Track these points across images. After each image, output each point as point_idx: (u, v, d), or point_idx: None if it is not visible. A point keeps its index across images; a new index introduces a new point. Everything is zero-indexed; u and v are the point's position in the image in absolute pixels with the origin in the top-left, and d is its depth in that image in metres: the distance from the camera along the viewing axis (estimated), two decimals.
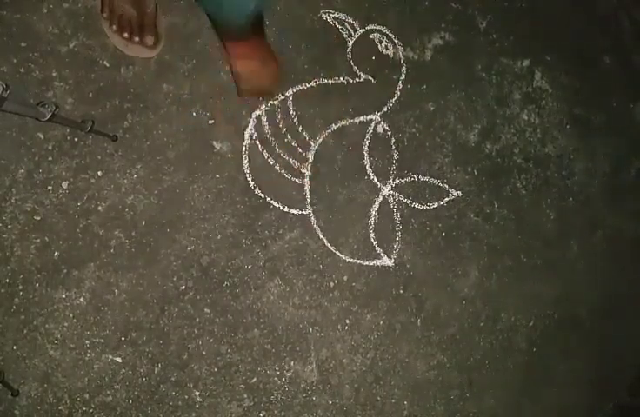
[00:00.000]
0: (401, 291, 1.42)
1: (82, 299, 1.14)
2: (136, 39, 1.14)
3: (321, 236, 1.34)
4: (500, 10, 1.60)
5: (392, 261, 1.42)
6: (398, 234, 1.43)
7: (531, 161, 1.63)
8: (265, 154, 1.30)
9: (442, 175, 1.49)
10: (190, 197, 1.23)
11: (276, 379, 1.29)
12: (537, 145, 1.65)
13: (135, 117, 1.19)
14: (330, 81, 1.37)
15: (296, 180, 1.33)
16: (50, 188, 1.13)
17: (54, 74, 1.13)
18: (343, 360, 1.36)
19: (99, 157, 1.16)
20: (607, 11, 1.80)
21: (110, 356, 1.16)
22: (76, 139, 1.14)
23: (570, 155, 1.70)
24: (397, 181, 1.44)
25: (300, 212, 1.33)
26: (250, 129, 1.29)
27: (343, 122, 1.39)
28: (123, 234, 1.18)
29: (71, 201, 1.14)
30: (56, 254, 1.13)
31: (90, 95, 1.16)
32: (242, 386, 1.27)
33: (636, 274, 1.79)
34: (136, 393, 1.18)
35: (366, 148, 1.41)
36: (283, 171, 1.31)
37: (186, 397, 1.22)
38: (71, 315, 1.14)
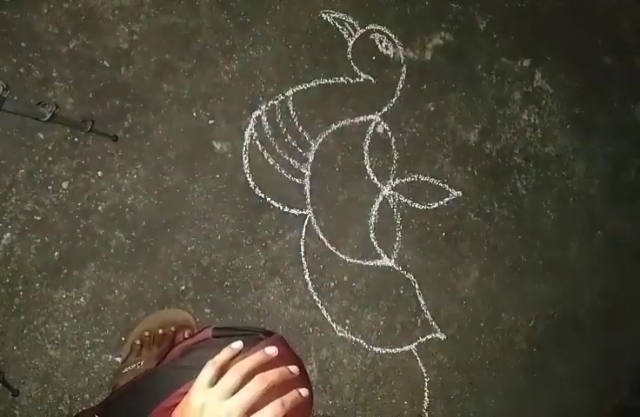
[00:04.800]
0: (401, 291, 1.42)
1: (82, 299, 1.14)
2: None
3: (321, 236, 1.34)
4: (500, 10, 1.60)
5: (392, 261, 1.41)
6: (398, 234, 1.43)
7: (531, 161, 1.63)
8: (265, 154, 1.30)
9: (442, 175, 1.49)
10: (190, 197, 1.23)
11: None
12: (537, 145, 1.65)
13: (135, 117, 1.19)
14: (330, 81, 1.37)
15: (296, 180, 1.33)
16: (50, 188, 1.13)
17: (54, 74, 1.13)
18: (343, 360, 1.36)
19: (99, 157, 1.16)
20: (607, 11, 1.80)
21: (110, 356, 1.15)
22: (76, 139, 1.14)
23: (571, 155, 1.70)
24: (397, 181, 1.44)
25: (300, 212, 1.33)
26: (250, 129, 1.29)
27: (343, 122, 1.38)
28: (123, 235, 1.18)
29: (71, 201, 1.14)
30: (56, 254, 1.13)
31: (90, 95, 1.16)
32: None
33: (635, 275, 1.79)
34: None
35: (366, 148, 1.41)
36: (283, 171, 1.31)
37: None
38: (71, 315, 1.14)
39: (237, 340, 0.61)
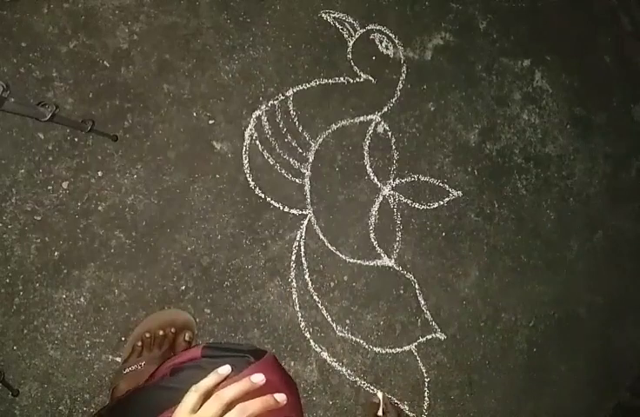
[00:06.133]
0: (401, 291, 1.42)
1: (82, 299, 1.14)
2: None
3: (321, 236, 1.34)
4: (500, 10, 1.60)
5: (392, 261, 1.41)
6: (398, 234, 1.43)
7: (531, 161, 1.63)
8: (265, 154, 1.30)
9: (442, 175, 1.49)
10: (190, 197, 1.23)
11: None
12: (537, 145, 1.65)
13: (135, 117, 1.19)
14: (330, 81, 1.37)
15: (296, 180, 1.33)
16: (50, 188, 1.13)
17: (54, 74, 1.13)
18: (343, 360, 1.36)
19: (99, 157, 1.16)
20: (607, 11, 1.80)
21: (110, 356, 1.15)
22: (76, 139, 1.14)
23: (571, 155, 1.70)
24: (397, 181, 1.44)
25: (300, 212, 1.33)
26: (250, 129, 1.29)
27: (343, 122, 1.39)
28: (123, 235, 1.18)
29: (71, 201, 1.14)
30: (56, 254, 1.13)
31: (90, 95, 1.16)
32: None
33: (636, 275, 1.79)
34: None
35: (366, 148, 1.41)
36: (283, 171, 1.31)
37: None
38: (71, 315, 1.14)
39: (225, 363, 0.59)
